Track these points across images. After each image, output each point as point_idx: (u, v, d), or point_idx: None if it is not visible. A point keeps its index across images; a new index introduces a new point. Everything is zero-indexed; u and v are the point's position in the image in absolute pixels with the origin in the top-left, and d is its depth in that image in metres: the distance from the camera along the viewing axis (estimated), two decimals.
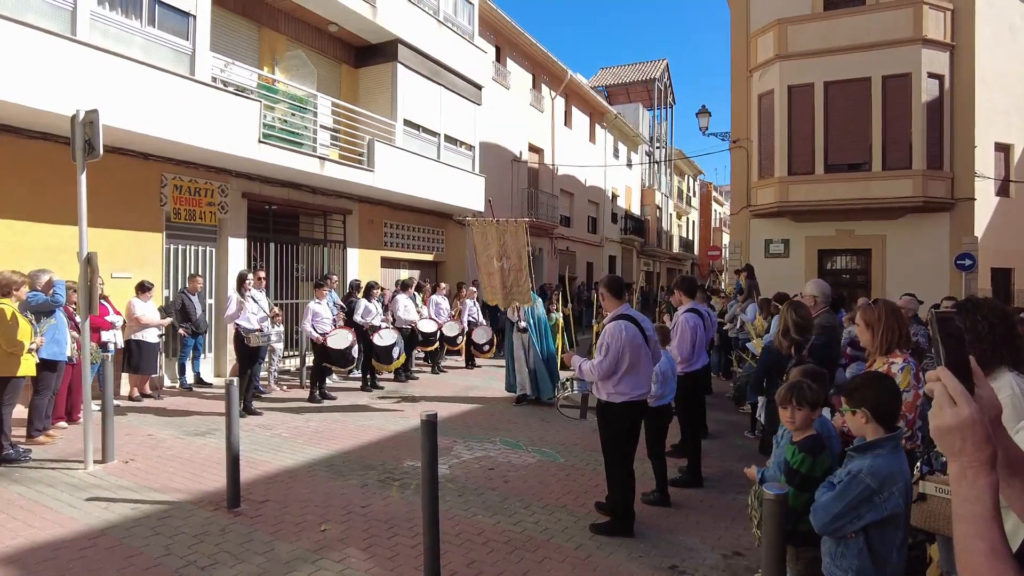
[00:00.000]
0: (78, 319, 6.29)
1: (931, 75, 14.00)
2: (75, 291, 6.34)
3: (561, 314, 12.19)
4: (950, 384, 1.00)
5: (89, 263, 5.51)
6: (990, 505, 0.95)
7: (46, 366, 6.20)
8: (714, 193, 48.03)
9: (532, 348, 9.25)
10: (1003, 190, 15.67)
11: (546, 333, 9.47)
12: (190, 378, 9.57)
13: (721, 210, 48.83)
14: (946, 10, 14.10)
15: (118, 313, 8.07)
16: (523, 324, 9.27)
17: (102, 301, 7.74)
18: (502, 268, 8.75)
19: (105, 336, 7.70)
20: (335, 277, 10.79)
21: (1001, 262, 15.30)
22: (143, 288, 8.42)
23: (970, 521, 0.96)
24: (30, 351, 5.80)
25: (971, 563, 0.95)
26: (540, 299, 9.73)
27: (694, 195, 45.31)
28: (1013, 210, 15.66)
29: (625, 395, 4.44)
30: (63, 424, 6.99)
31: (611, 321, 4.53)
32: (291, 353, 11.45)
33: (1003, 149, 15.75)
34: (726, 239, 38.90)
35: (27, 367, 5.80)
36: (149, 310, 8.46)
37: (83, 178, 5.57)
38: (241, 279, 8.30)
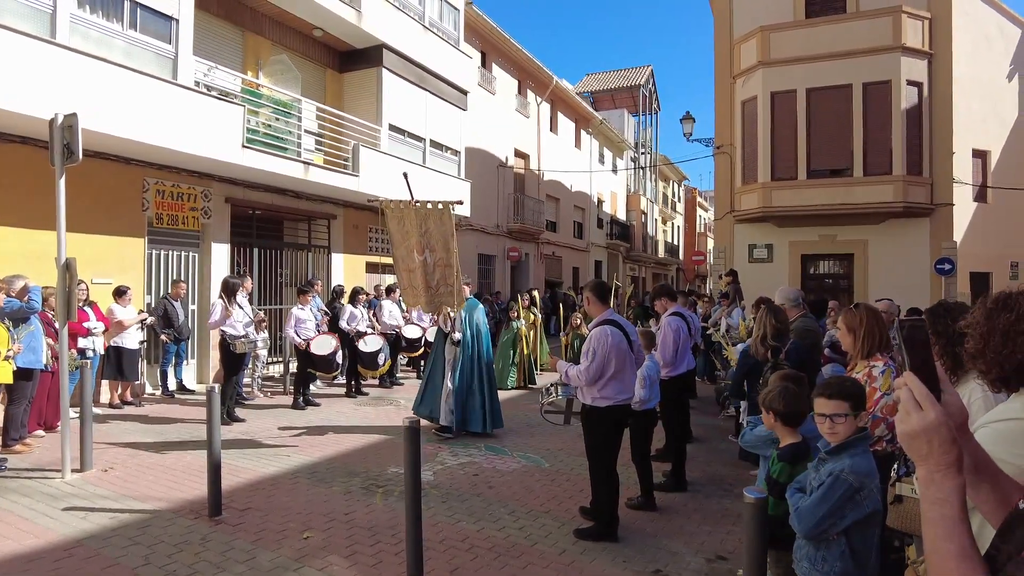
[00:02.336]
0: (56, 325, 6.19)
1: (910, 82, 14.23)
2: (53, 296, 6.24)
3: (524, 322, 11.50)
4: (916, 389, 1.02)
5: (68, 269, 5.44)
6: (957, 507, 0.96)
7: (22, 375, 6.08)
8: (699, 198, 48.39)
9: (462, 366, 7.43)
10: (981, 196, 15.95)
11: (486, 348, 7.76)
12: (172, 385, 9.46)
13: (706, 215, 49.18)
14: (924, 19, 14.35)
15: (101, 319, 7.94)
16: (457, 335, 7.45)
17: (87, 307, 7.66)
18: (424, 263, 7.22)
19: (83, 343, 7.58)
20: (319, 282, 10.72)
21: (979, 266, 15.55)
22: (119, 293, 8.30)
23: (939, 523, 0.97)
24: (7, 358, 5.70)
25: (941, 565, 0.96)
26: (479, 304, 8.07)
27: (679, 200, 45.62)
28: (991, 215, 15.93)
29: (610, 399, 4.45)
30: (40, 433, 6.88)
31: (596, 326, 4.55)
32: (275, 359, 11.36)
33: (980, 155, 16.04)
34: (711, 244, 39.17)
35: (3, 375, 5.69)
36: (129, 315, 8.35)
37: (62, 183, 5.50)
38: (231, 289, 8.05)
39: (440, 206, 7.10)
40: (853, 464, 2.39)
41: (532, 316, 12.22)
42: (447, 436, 7.28)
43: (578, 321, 11.39)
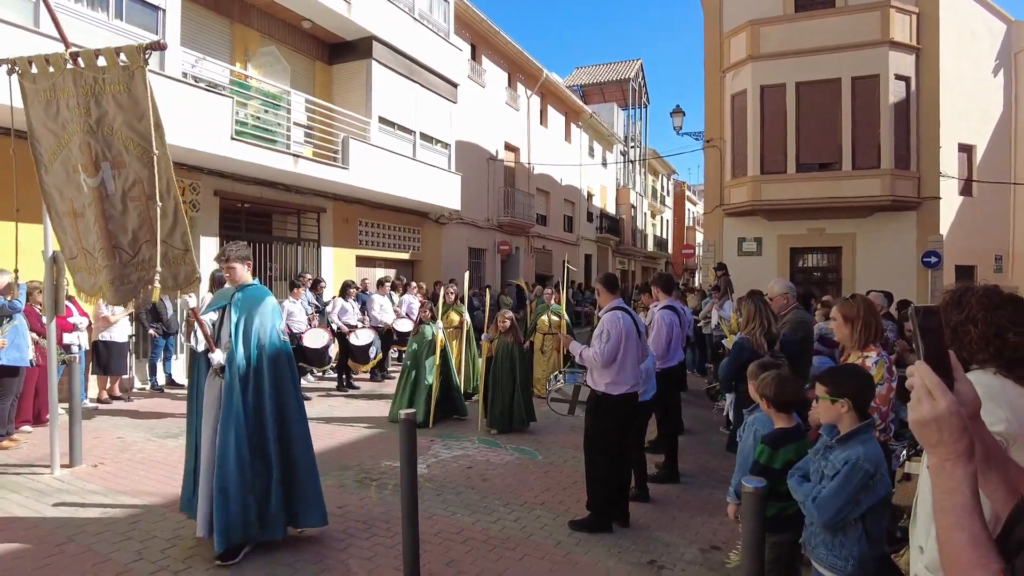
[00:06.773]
0: (43, 320, 6.10)
1: (898, 77, 14.31)
2: (39, 291, 6.15)
3: (441, 327, 8.08)
4: (928, 378, 1.02)
5: (55, 262, 5.36)
6: (969, 495, 0.96)
7: (7, 371, 6.01)
8: (688, 192, 48.50)
9: (228, 418, 3.75)
10: (966, 190, 16.11)
11: (275, 374, 3.93)
12: (161, 379, 9.37)
13: (694, 209, 49.33)
14: (912, 13, 14.43)
15: (84, 314, 7.83)
16: (217, 357, 3.82)
17: (67, 302, 7.53)
18: (102, 195, 3.93)
19: (68, 338, 7.47)
20: (309, 276, 10.65)
21: (965, 260, 15.72)
22: None
23: (951, 512, 0.97)
24: None
25: (953, 553, 0.96)
26: (269, 295, 4.18)
27: (668, 194, 45.74)
28: (976, 209, 16.11)
29: (622, 386, 4.44)
30: (28, 428, 6.78)
31: (608, 311, 4.56)
32: None
33: (966, 150, 16.19)
34: (699, 238, 39.34)
35: None
36: (117, 309, 8.23)
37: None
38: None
39: (124, 59, 3.84)
40: (866, 451, 2.45)
41: (457, 317, 8.97)
42: (231, 563, 3.73)
43: (507, 323, 7.68)
